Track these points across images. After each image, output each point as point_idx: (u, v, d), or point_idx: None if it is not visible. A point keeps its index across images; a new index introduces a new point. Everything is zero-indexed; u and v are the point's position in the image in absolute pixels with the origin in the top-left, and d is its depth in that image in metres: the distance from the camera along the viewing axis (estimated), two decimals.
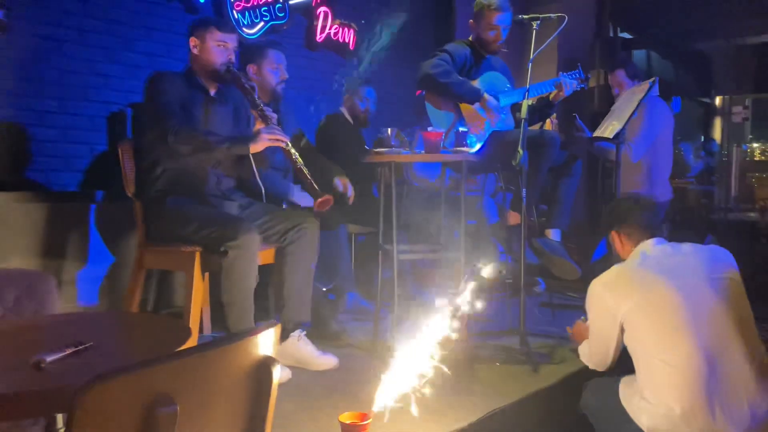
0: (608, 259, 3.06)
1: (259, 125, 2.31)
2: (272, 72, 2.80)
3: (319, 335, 2.71)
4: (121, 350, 1.42)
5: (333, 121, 3.56)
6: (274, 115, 2.33)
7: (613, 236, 2.04)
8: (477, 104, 2.83)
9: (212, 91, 2.45)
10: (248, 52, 2.88)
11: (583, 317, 2.17)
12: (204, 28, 2.37)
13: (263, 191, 2.56)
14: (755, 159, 9.39)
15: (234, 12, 3.58)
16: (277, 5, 3.82)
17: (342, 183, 2.94)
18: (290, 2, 3.88)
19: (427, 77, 2.78)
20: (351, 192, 2.96)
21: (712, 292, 1.74)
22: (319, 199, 2.33)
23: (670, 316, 1.71)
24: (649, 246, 1.90)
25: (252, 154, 2.31)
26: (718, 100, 7.65)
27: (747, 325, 1.77)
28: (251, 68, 2.80)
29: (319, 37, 4.12)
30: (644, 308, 1.75)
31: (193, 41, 2.39)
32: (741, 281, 1.84)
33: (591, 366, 2.01)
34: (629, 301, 1.77)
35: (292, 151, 2.33)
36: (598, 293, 1.87)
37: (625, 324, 1.79)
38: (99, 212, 2.87)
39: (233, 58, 2.40)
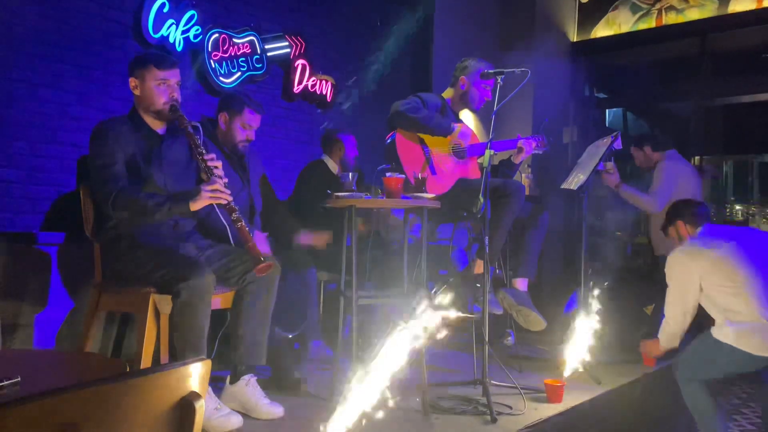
0: (579, 311, 3.06)
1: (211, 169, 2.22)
2: (240, 129, 2.74)
3: (279, 383, 2.66)
4: (47, 385, 1.38)
5: (314, 168, 3.59)
6: (219, 164, 2.24)
7: (679, 225, 2.86)
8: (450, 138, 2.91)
9: (160, 130, 2.36)
10: (228, 99, 2.83)
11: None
12: (142, 66, 2.27)
13: (229, 232, 2.51)
14: (736, 219, 9.51)
15: (211, 61, 3.67)
16: (255, 56, 3.91)
17: (305, 238, 2.93)
18: (268, 54, 3.99)
19: (398, 114, 2.84)
20: (319, 240, 2.97)
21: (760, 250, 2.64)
22: (260, 266, 2.19)
23: (737, 266, 2.55)
24: (705, 229, 2.76)
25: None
26: (695, 161, 7.82)
27: None
28: (222, 116, 2.75)
29: (296, 89, 4.21)
30: (718, 266, 2.57)
31: (132, 82, 2.28)
32: None
33: (671, 336, 2.74)
34: (707, 263, 2.58)
35: (235, 209, 2.22)
36: (681, 261, 2.66)
37: (703, 281, 2.58)
38: (61, 254, 2.84)
39: (177, 95, 2.29)
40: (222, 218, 2.42)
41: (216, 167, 2.20)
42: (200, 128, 2.33)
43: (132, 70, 2.30)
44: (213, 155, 2.26)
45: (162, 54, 2.41)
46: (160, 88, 2.27)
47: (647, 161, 3.94)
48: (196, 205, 2.18)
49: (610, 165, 3.73)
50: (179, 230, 2.35)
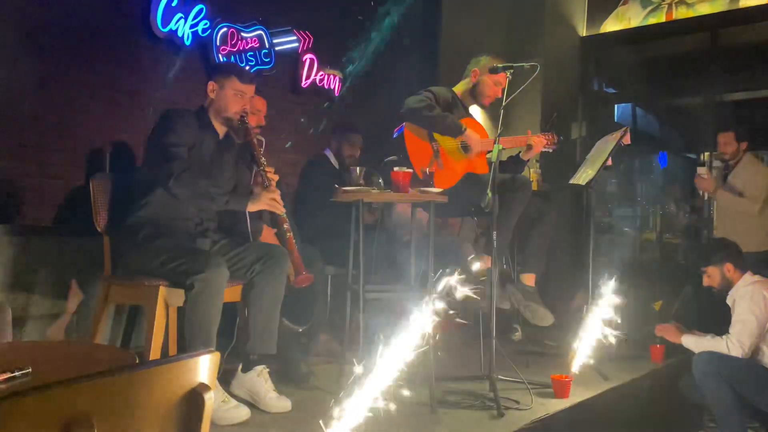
0: (587, 307, 3.05)
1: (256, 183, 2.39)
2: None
3: (287, 376, 2.67)
4: (58, 376, 1.39)
5: (316, 162, 3.60)
6: (276, 177, 2.38)
7: (728, 267, 2.95)
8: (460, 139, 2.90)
9: (221, 135, 2.49)
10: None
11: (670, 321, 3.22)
12: (224, 75, 2.43)
13: (249, 228, 2.56)
14: None
15: (219, 56, 3.66)
16: (263, 51, 3.91)
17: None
18: (276, 48, 3.99)
19: (412, 110, 2.85)
20: None
21: None
22: (301, 276, 2.35)
23: None
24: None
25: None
26: (705, 156, 7.75)
27: None
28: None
29: (304, 83, 4.21)
30: None
31: (211, 85, 2.43)
32: None
33: (706, 347, 2.85)
34: None
35: (286, 220, 2.38)
36: (763, 294, 2.83)
37: None
38: (71, 247, 2.85)
39: (248, 107, 2.47)
40: (248, 228, 2.54)
41: (273, 180, 2.37)
42: (264, 142, 2.48)
43: (213, 75, 2.48)
44: (273, 168, 2.42)
45: (243, 69, 2.66)
46: (236, 98, 2.42)
47: (734, 153, 3.96)
48: (253, 207, 2.34)
49: (704, 170, 3.77)
50: (201, 228, 2.42)
